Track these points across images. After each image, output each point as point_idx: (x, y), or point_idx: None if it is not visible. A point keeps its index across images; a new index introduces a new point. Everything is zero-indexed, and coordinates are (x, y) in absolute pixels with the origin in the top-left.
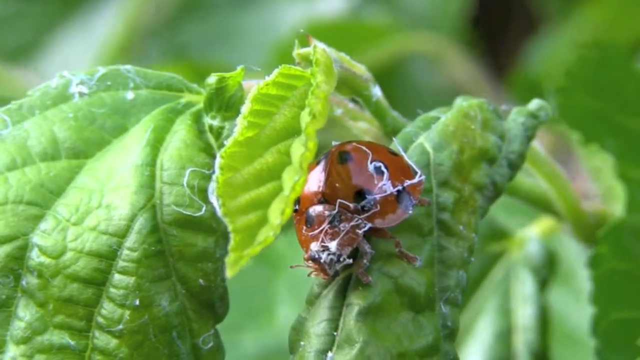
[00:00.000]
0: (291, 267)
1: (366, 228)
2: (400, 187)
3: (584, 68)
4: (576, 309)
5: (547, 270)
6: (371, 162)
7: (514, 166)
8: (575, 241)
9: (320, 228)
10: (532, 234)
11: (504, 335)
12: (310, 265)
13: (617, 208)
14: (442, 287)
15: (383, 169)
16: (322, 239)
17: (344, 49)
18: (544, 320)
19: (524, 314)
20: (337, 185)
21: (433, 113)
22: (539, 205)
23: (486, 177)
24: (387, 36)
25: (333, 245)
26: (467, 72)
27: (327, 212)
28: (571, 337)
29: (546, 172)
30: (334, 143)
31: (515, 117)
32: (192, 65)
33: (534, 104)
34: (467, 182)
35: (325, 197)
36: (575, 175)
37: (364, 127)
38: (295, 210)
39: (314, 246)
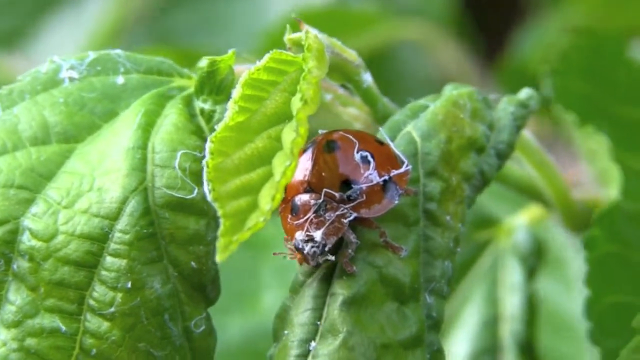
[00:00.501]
0: (274, 254)
1: (352, 217)
2: (386, 177)
3: (578, 55)
4: (565, 297)
5: (535, 259)
6: (358, 152)
7: (503, 156)
8: (564, 230)
9: (306, 217)
10: (520, 222)
11: (491, 324)
12: (293, 253)
13: (611, 191)
14: (428, 277)
15: (369, 158)
16: (307, 228)
17: (332, 36)
18: (532, 310)
19: (511, 303)
20: (323, 174)
21: (421, 101)
22: (528, 193)
23: (474, 166)
24: (375, 24)
25: (318, 235)
26: (456, 60)
27: (312, 201)
28: (560, 325)
29: (536, 161)
30: (320, 131)
31: (505, 107)
32: (181, 51)
33: (524, 93)
34: (454, 171)
35: (311, 186)
36: (562, 159)
37: (354, 113)
38: (282, 199)
39: (299, 235)
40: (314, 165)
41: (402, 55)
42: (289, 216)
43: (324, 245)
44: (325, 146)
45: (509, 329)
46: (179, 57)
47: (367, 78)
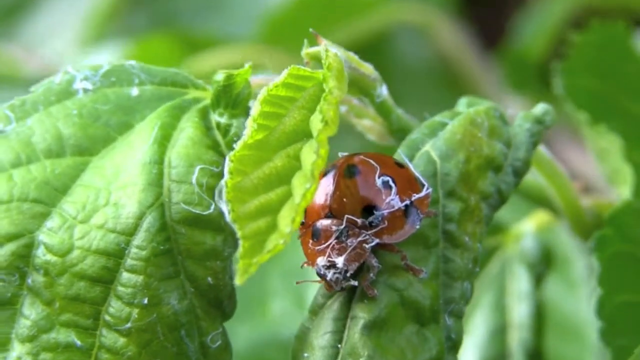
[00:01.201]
0: (297, 283)
1: (374, 243)
2: (408, 202)
3: (586, 51)
4: (570, 298)
5: (543, 267)
6: (379, 177)
7: (519, 174)
8: (571, 235)
9: (327, 243)
10: (527, 229)
11: (499, 333)
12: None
13: (623, 191)
14: (447, 299)
15: (391, 183)
16: (329, 253)
17: (331, 20)
18: (540, 318)
19: (519, 311)
20: (344, 200)
21: (438, 118)
22: (537, 201)
23: (492, 185)
24: (375, 7)
25: (340, 261)
26: (456, 44)
27: (334, 227)
28: (564, 327)
29: (548, 171)
30: (340, 154)
31: (521, 123)
32: (181, 34)
33: (540, 108)
34: (473, 191)
35: (332, 212)
36: (566, 146)
37: (368, 125)
38: (302, 223)
39: (321, 261)
40: (335, 191)
41: (401, 39)
42: (310, 241)
43: (346, 271)
44: (346, 171)
45: (518, 337)
46: (179, 41)
47: (383, 91)
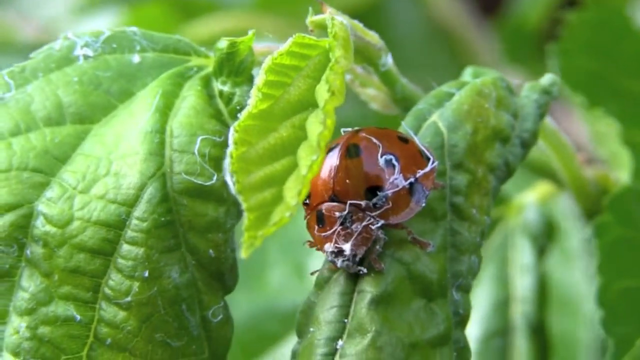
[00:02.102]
0: (311, 273)
1: (379, 225)
2: (412, 180)
3: (583, 31)
4: (565, 270)
5: (546, 239)
6: (382, 155)
7: (527, 145)
8: (573, 206)
9: (333, 229)
10: (530, 200)
11: (502, 306)
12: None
13: (621, 174)
14: (454, 272)
15: (394, 162)
16: (336, 240)
17: None
18: (543, 291)
19: (522, 284)
20: (347, 181)
21: (445, 88)
22: (541, 172)
23: (499, 157)
24: None
25: (347, 247)
26: (453, 12)
27: (338, 213)
28: (560, 299)
29: (553, 142)
30: (342, 131)
31: (529, 94)
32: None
33: (547, 79)
34: (480, 163)
35: (335, 194)
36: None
37: (372, 94)
38: (306, 204)
39: (328, 247)
40: (337, 172)
41: (397, 6)
42: (316, 227)
43: (355, 256)
44: (348, 151)
45: (520, 310)
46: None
47: (388, 60)
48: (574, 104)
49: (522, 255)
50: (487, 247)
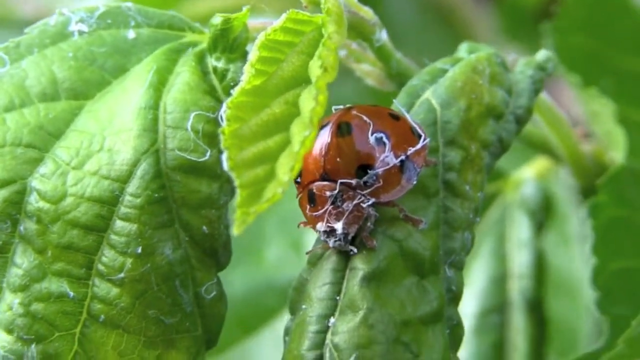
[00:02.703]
0: (307, 253)
1: (370, 203)
2: (403, 157)
3: (579, 8)
4: (563, 252)
5: (543, 214)
6: (372, 133)
7: (521, 121)
8: (571, 182)
9: (324, 209)
10: (527, 175)
11: (499, 281)
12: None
13: (615, 154)
14: (447, 249)
15: (385, 139)
16: (327, 219)
17: None
18: (540, 267)
19: (520, 260)
20: (338, 159)
21: (439, 65)
22: (538, 147)
23: (493, 133)
24: None
25: (339, 226)
26: None
27: (329, 193)
28: (558, 281)
29: (549, 118)
30: (334, 109)
31: (523, 70)
32: None
33: (542, 55)
34: (474, 139)
35: (326, 172)
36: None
37: (367, 69)
38: (297, 182)
39: (320, 226)
40: (328, 151)
41: None
42: (307, 206)
43: (347, 235)
44: (339, 129)
45: (518, 286)
46: None
47: (382, 36)
48: (569, 82)
49: (520, 230)
50: (484, 223)
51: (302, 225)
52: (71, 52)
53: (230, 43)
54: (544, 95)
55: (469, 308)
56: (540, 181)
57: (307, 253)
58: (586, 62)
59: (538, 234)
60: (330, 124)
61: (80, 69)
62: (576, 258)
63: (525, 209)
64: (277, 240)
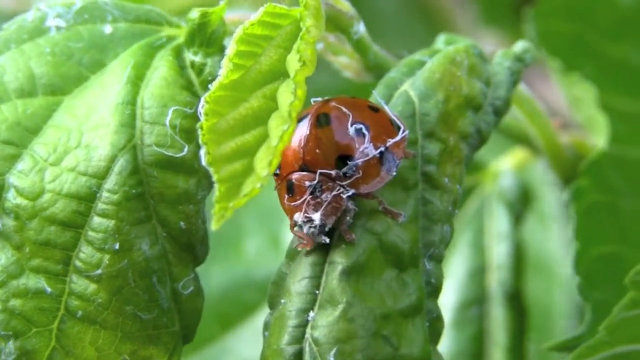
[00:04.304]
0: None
1: (349, 194)
2: (382, 149)
3: None
4: (542, 236)
5: (522, 205)
6: (352, 125)
7: (500, 112)
8: (549, 172)
9: (303, 199)
10: (505, 167)
11: (478, 273)
12: (297, 233)
13: (597, 139)
14: (426, 242)
15: (364, 130)
16: (305, 209)
17: None
18: (519, 259)
19: (498, 251)
20: (317, 151)
21: (417, 56)
22: (516, 138)
23: (471, 125)
24: None
25: (317, 217)
26: None
27: (308, 183)
28: (536, 264)
29: (527, 109)
30: (312, 101)
31: (501, 61)
32: None
33: (519, 46)
34: (452, 131)
35: (305, 164)
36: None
37: (344, 62)
38: (276, 174)
39: (298, 217)
40: (307, 142)
41: None
42: (286, 196)
43: (324, 226)
44: (318, 120)
45: (497, 278)
46: None
47: (360, 28)
48: (551, 68)
49: (498, 222)
50: (462, 215)
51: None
52: (48, 48)
53: (207, 37)
54: (521, 87)
55: (448, 301)
56: (519, 172)
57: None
58: (568, 48)
59: (516, 226)
60: (309, 116)
61: (58, 64)
62: (554, 238)
63: (504, 200)
64: (256, 235)
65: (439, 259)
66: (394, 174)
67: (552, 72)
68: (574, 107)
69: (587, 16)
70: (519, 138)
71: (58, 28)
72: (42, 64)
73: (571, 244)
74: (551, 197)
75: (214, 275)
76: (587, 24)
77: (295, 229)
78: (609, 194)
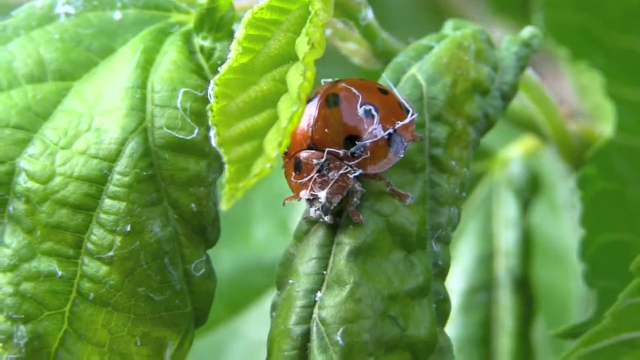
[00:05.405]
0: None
1: (357, 174)
2: (391, 130)
3: None
4: (552, 223)
5: (530, 192)
6: (361, 105)
7: (507, 97)
8: (558, 161)
9: (309, 176)
10: (514, 154)
11: (486, 260)
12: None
13: (604, 127)
14: (434, 224)
15: (373, 112)
16: (312, 187)
17: None
18: (527, 245)
19: (507, 238)
20: (326, 130)
21: (425, 41)
22: (525, 126)
23: (479, 109)
24: None
25: (323, 195)
26: None
27: (315, 160)
28: (547, 252)
29: (535, 96)
30: (322, 82)
31: (509, 46)
32: None
33: (527, 31)
34: (460, 115)
35: (314, 143)
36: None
37: (352, 48)
38: (285, 153)
39: (304, 194)
40: (316, 121)
41: None
42: (293, 174)
43: (330, 204)
44: (327, 100)
45: (505, 264)
46: None
47: (368, 14)
48: (559, 57)
49: (507, 209)
50: (471, 202)
51: (287, 201)
52: (57, 34)
53: (216, 22)
54: (530, 73)
55: (456, 286)
56: (527, 160)
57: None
58: (576, 38)
59: (525, 212)
60: (319, 96)
61: (67, 50)
62: (564, 226)
63: (512, 187)
64: (265, 220)
65: (446, 241)
66: (402, 156)
67: (560, 62)
68: (581, 95)
69: (596, 6)
70: (527, 125)
71: (67, 15)
72: (51, 50)
73: (577, 231)
74: (562, 186)
75: (223, 260)
76: (595, 14)
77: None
78: (616, 182)
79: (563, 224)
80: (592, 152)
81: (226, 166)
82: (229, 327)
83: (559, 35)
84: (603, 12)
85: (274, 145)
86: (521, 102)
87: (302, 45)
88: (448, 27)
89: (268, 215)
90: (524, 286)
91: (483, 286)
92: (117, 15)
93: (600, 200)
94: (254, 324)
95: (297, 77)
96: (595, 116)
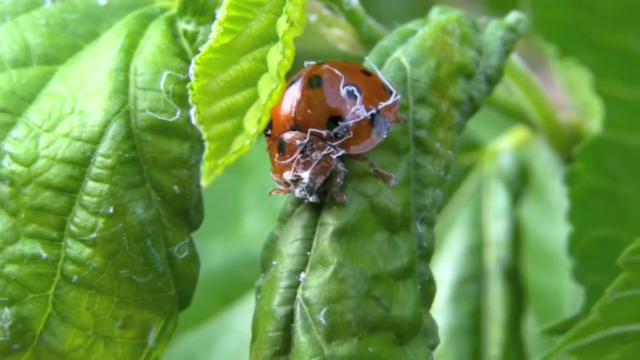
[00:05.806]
0: (270, 193)
1: (339, 154)
2: (374, 111)
3: None
4: (546, 224)
5: (520, 184)
6: (344, 86)
7: (492, 81)
8: (549, 152)
9: (293, 157)
10: (504, 146)
11: (476, 250)
12: (283, 188)
13: (592, 123)
14: (418, 206)
15: (356, 92)
16: (295, 168)
17: None
18: (517, 236)
19: (496, 229)
20: (309, 111)
21: (409, 26)
22: (514, 116)
23: (463, 92)
24: None
25: (306, 175)
26: None
27: (298, 141)
28: (541, 253)
29: (523, 84)
30: (306, 64)
31: (494, 31)
32: None
33: (513, 16)
34: (444, 98)
35: (297, 124)
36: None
37: (338, 34)
38: (268, 135)
39: (287, 175)
40: (299, 102)
41: None
42: (276, 155)
43: (313, 185)
44: (310, 81)
45: (495, 255)
46: None
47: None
48: (548, 55)
49: (497, 200)
50: (461, 193)
51: (274, 192)
52: (43, 20)
53: (200, 6)
54: (516, 59)
55: (446, 277)
56: (518, 151)
57: (270, 193)
58: (565, 35)
59: (515, 204)
60: (302, 77)
61: (53, 35)
62: (558, 227)
63: (502, 179)
64: (256, 212)
65: (430, 223)
66: (385, 136)
67: (548, 59)
68: (569, 92)
69: (585, 4)
70: (516, 115)
71: (53, 0)
72: (37, 35)
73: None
74: (555, 185)
75: (214, 252)
76: (585, 12)
77: (275, 177)
78: (603, 178)
79: (555, 223)
80: (580, 148)
81: (206, 143)
82: (220, 320)
83: (547, 31)
84: (592, 9)
85: (253, 122)
86: (509, 91)
87: (281, 24)
88: (433, 12)
89: (259, 208)
90: (514, 277)
91: (473, 277)
92: (102, 1)
93: (589, 195)
94: (246, 317)
95: (276, 55)
96: (584, 113)
